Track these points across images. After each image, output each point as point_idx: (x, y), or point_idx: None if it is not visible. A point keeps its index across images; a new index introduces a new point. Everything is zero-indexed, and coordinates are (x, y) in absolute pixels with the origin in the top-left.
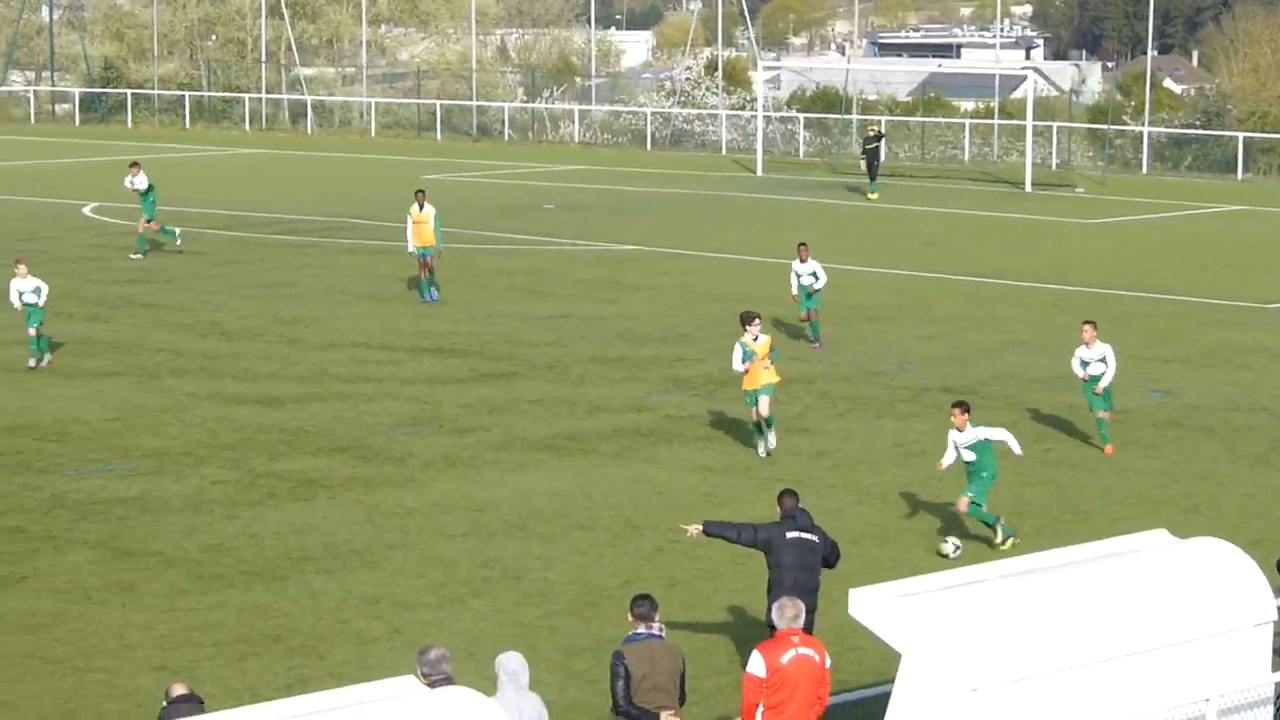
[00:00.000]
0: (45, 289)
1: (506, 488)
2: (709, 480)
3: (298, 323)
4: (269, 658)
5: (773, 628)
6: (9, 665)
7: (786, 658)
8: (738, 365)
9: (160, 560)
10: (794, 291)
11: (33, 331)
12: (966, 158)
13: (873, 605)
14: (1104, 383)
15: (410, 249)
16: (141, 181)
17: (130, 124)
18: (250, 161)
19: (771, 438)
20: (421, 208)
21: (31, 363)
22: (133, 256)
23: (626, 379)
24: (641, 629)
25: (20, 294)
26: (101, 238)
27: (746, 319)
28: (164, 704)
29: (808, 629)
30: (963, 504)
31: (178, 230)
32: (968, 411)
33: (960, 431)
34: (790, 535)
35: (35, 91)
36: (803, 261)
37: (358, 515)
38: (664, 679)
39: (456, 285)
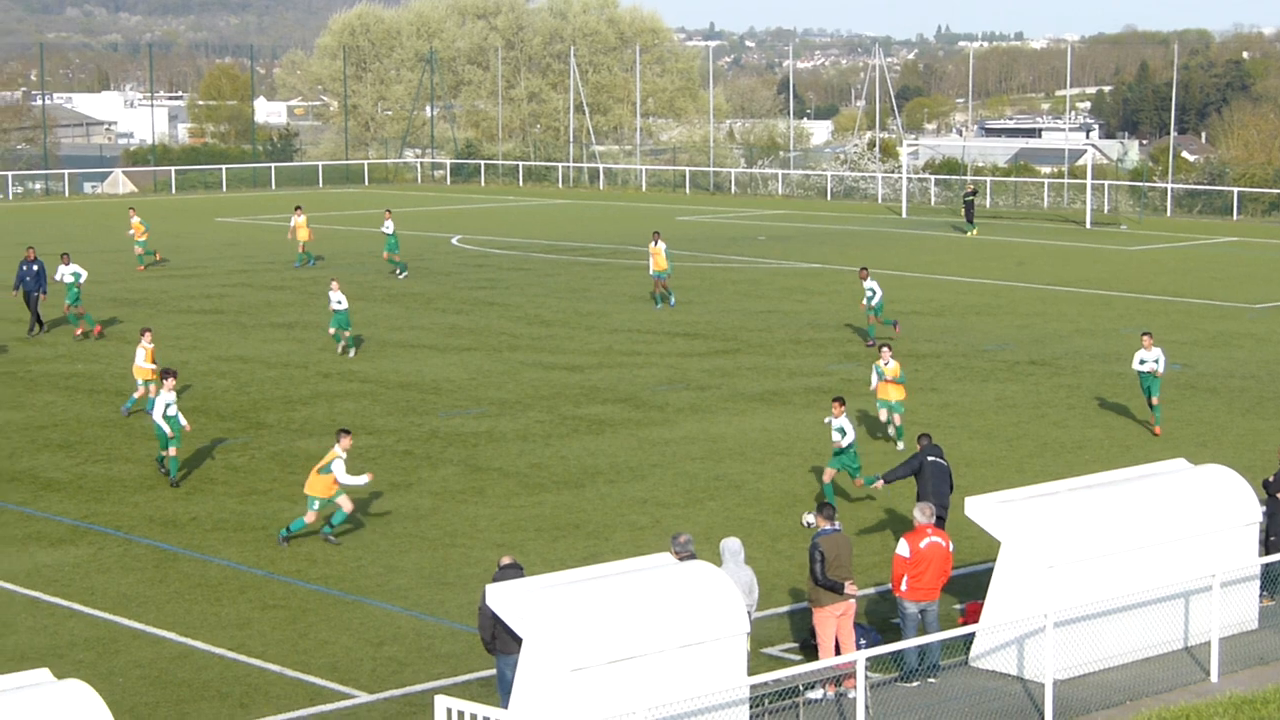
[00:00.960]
0: (346, 302)
1: (732, 426)
2: (868, 422)
3: (592, 315)
4: (572, 540)
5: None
6: (401, 542)
7: (924, 543)
8: (872, 382)
9: (500, 473)
10: (863, 302)
11: (332, 331)
12: (1045, 205)
13: (982, 508)
14: (1160, 370)
15: (651, 271)
16: (389, 227)
17: (483, 183)
18: (562, 209)
19: (900, 444)
20: (656, 243)
21: (350, 353)
22: (400, 275)
23: (813, 354)
24: (827, 526)
25: (333, 304)
26: (464, 260)
27: (880, 347)
28: (497, 569)
29: (939, 524)
30: (828, 475)
31: (404, 268)
32: (843, 404)
33: (836, 418)
34: (929, 460)
35: (421, 162)
36: (864, 280)
37: (631, 444)
38: (845, 559)
39: (699, 290)
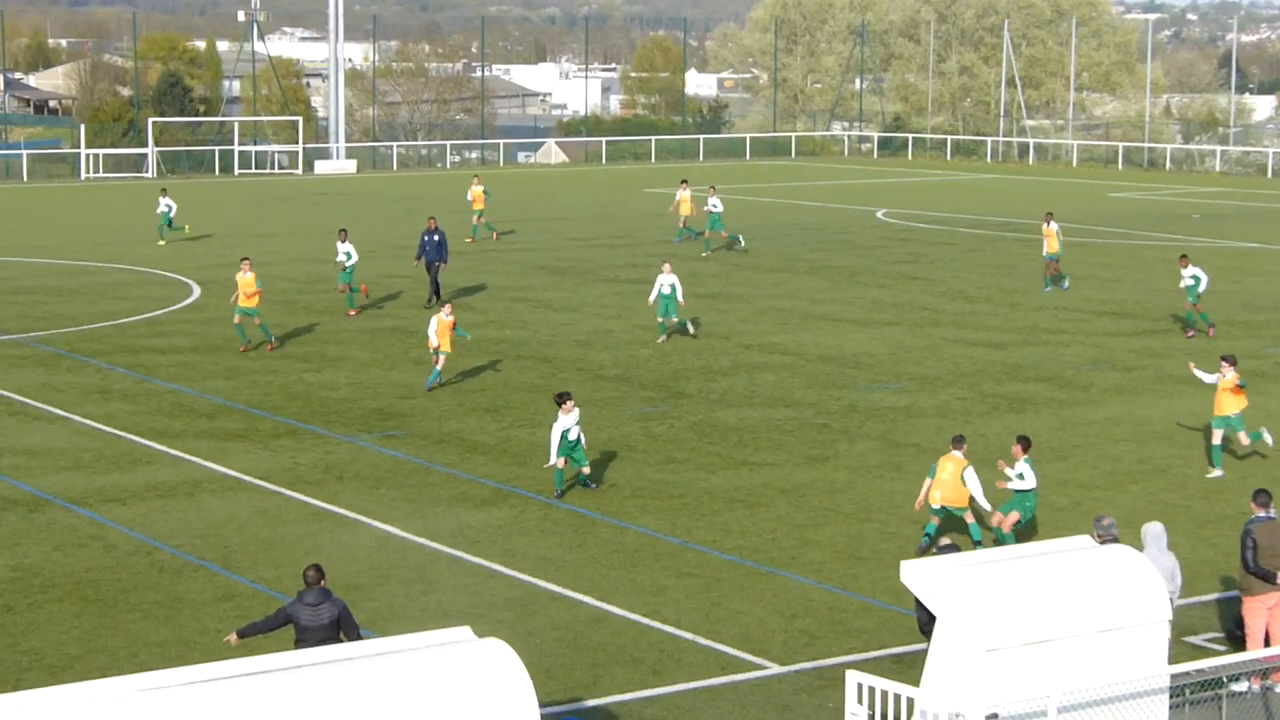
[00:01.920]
0: (680, 286)
1: (1158, 409)
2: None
3: (1016, 292)
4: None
5: None
6: (816, 515)
7: None
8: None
9: (918, 449)
10: (1181, 287)
11: (660, 319)
12: None
13: None
14: None
15: (1044, 253)
16: (717, 205)
17: (910, 157)
18: (989, 184)
19: (1217, 470)
20: (1049, 224)
21: (663, 339)
22: (704, 254)
23: (1247, 336)
24: (1261, 513)
25: (661, 287)
26: (888, 233)
27: (1223, 358)
28: (935, 550)
29: None
30: (1002, 520)
31: (741, 237)
32: (1026, 446)
33: (1016, 461)
34: None
35: (848, 135)
36: (1185, 268)
37: (1053, 424)
38: (1279, 548)
39: (1127, 269)
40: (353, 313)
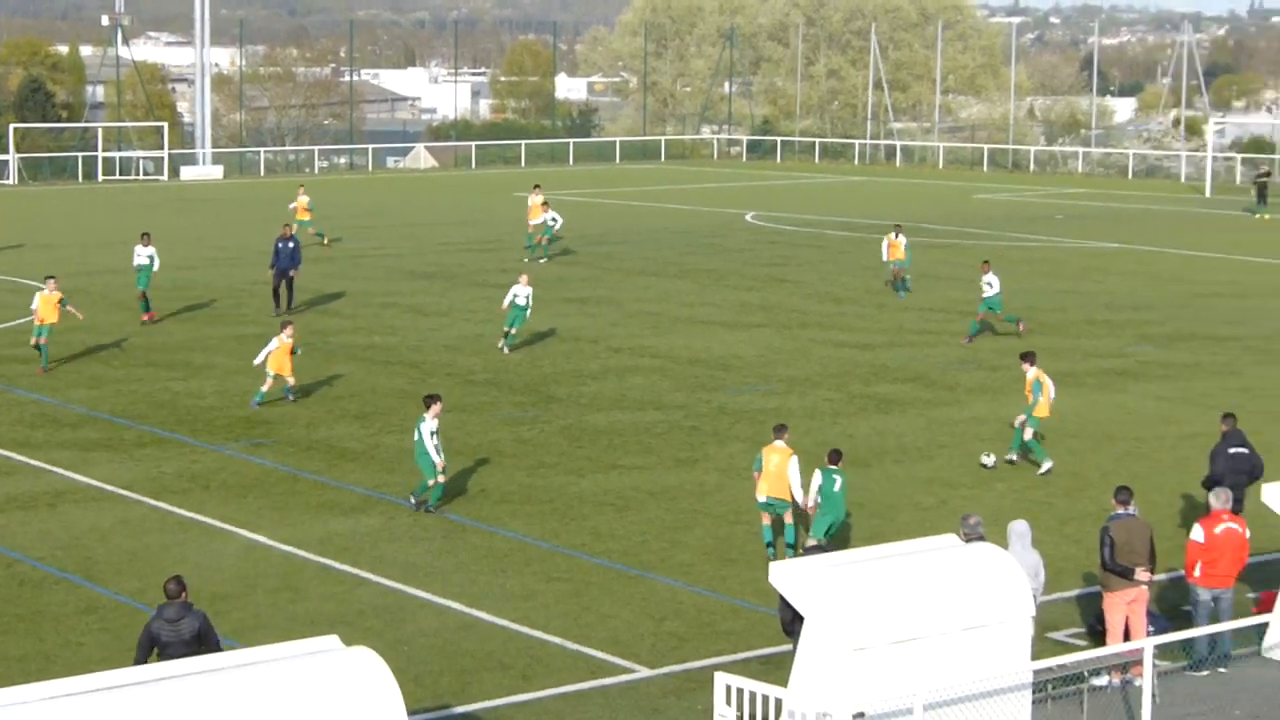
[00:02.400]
0: (532, 302)
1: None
2: (1163, 406)
3: (884, 293)
4: (856, 519)
5: (1208, 507)
6: (685, 518)
7: (1219, 529)
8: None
9: None
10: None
11: (506, 328)
12: None
13: (1277, 496)
14: None
15: (885, 259)
16: (556, 219)
17: (779, 160)
18: (857, 186)
19: (1046, 464)
20: (897, 236)
21: (505, 350)
22: (540, 260)
23: (1109, 335)
24: (1121, 510)
25: (515, 297)
26: (757, 236)
27: (1021, 356)
28: (802, 550)
29: (1236, 511)
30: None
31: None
32: (834, 460)
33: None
34: (1230, 450)
35: (717, 139)
36: (985, 274)
37: (920, 424)
38: (1138, 545)
39: (995, 267)
40: (146, 317)
